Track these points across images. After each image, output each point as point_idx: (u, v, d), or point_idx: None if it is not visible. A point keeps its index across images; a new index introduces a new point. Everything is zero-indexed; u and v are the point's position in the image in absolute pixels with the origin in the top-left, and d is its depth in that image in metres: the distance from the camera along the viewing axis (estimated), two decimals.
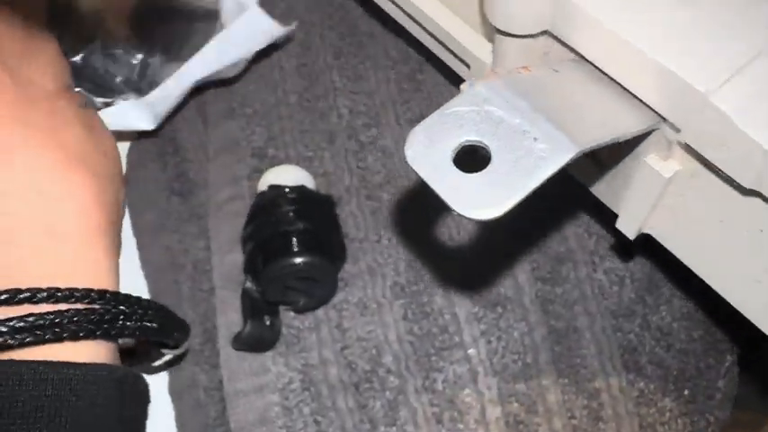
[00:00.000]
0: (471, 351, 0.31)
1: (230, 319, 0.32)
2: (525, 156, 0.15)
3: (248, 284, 0.31)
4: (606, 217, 0.27)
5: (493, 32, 0.22)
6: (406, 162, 0.15)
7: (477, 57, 0.24)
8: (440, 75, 0.34)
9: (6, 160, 0.25)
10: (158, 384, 0.33)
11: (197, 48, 0.34)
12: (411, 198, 0.33)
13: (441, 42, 0.25)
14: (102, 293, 0.25)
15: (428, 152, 0.16)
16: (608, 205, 0.24)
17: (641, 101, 0.18)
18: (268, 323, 0.31)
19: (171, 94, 0.34)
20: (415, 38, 0.30)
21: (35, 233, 0.25)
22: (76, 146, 0.26)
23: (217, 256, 0.34)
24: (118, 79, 0.34)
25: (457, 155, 0.16)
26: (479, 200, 0.15)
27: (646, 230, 0.23)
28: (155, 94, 0.34)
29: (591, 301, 0.32)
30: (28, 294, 0.23)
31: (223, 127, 0.36)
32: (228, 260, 0.34)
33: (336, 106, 0.35)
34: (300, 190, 0.32)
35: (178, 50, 0.35)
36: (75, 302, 0.24)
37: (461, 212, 0.15)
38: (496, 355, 0.31)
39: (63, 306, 0.24)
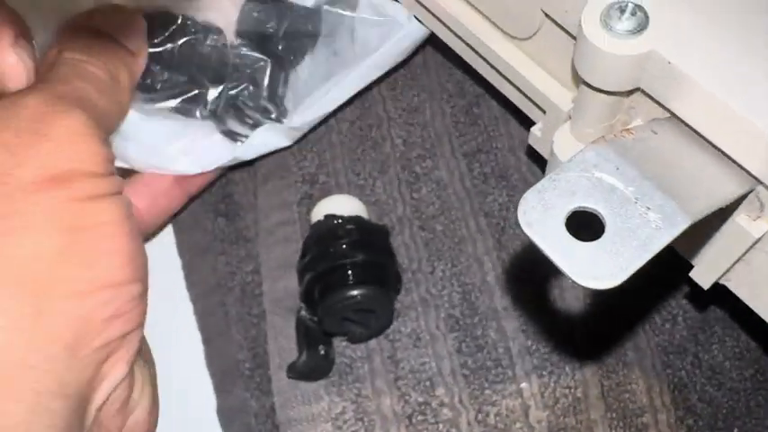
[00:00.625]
0: (524, 385, 0.31)
1: (282, 345, 0.33)
2: (639, 226, 0.16)
3: (303, 313, 0.32)
4: (662, 257, 0.27)
5: (578, 83, 0.22)
6: (521, 227, 0.16)
7: (556, 104, 0.24)
8: (497, 109, 0.34)
9: None
10: (207, 406, 0.34)
11: (304, 54, 0.34)
12: (466, 230, 0.33)
13: (516, 86, 0.26)
14: None
15: (542, 218, 0.16)
16: (682, 254, 0.24)
17: (739, 165, 0.19)
18: (323, 352, 0.31)
19: (315, 116, 0.34)
20: (472, 70, 0.30)
21: None
22: (22, 257, 0.20)
23: (268, 281, 0.34)
24: (253, 113, 0.33)
25: (568, 218, 0.16)
26: (596, 270, 0.15)
27: (722, 282, 0.23)
28: (297, 120, 0.33)
29: (641, 337, 0.32)
30: None
31: (272, 151, 0.36)
32: (280, 286, 0.34)
33: (390, 136, 0.35)
34: (356, 220, 0.32)
35: (292, 64, 0.34)
36: None
37: (579, 282, 0.15)
38: (548, 389, 0.31)
39: None
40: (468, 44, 0.27)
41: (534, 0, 0.22)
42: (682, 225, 0.16)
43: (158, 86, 0.32)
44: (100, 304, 0.21)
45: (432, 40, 0.32)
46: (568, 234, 0.16)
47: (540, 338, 0.32)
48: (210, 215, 0.37)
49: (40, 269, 0.21)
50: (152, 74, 0.31)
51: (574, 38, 0.21)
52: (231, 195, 0.37)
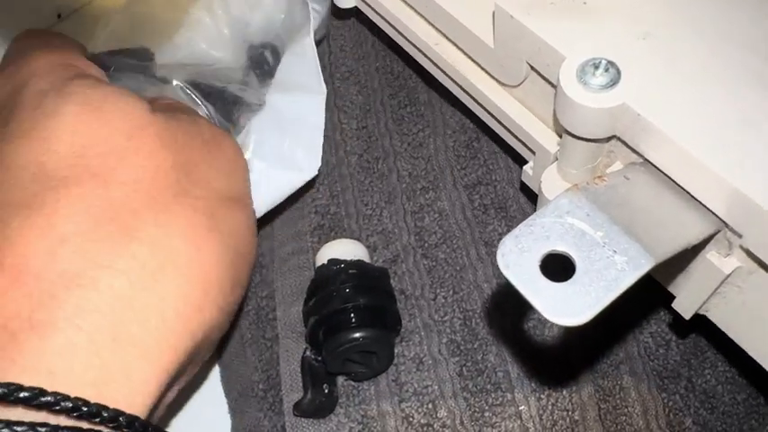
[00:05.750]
0: (522, 408, 0.33)
1: (293, 368, 0.34)
2: (606, 268, 0.17)
3: (308, 354, 0.33)
4: (655, 285, 0.29)
5: (562, 130, 0.24)
6: (499, 268, 0.17)
7: (544, 146, 0.26)
8: (495, 144, 0.36)
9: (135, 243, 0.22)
10: (222, 426, 0.36)
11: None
12: (467, 258, 0.35)
13: (507, 128, 0.27)
14: (131, 420, 0.20)
15: (518, 260, 0.18)
16: (664, 285, 0.26)
17: (706, 207, 0.20)
18: (327, 391, 0.33)
19: None
20: (470, 110, 0.32)
21: (102, 334, 0.21)
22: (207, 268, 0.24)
23: (281, 307, 0.36)
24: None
25: (543, 260, 0.18)
26: (566, 308, 0.17)
27: (701, 312, 0.24)
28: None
29: (637, 362, 0.34)
30: (50, 399, 0.19)
31: None
32: (293, 311, 0.36)
33: (397, 169, 0.37)
34: (358, 265, 0.33)
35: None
36: (99, 423, 0.19)
37: (550, 319, 0.17)
38: (546, 411, 0.33)
39: (84, 424, 0.19)
40: (463, 88, 0.29)
41: (520, 54, 0.24)
42: (645, 267, 0.17)
43: None
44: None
45: (434, 82, 0.34)
46: (541, 275, 0.18)
47: (539, 363, 0.33)
48: None
49: (213, 283, 0.24)
50: None
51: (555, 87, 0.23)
52: None
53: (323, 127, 0.34)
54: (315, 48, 0.34)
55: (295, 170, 0.34)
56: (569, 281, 0.17)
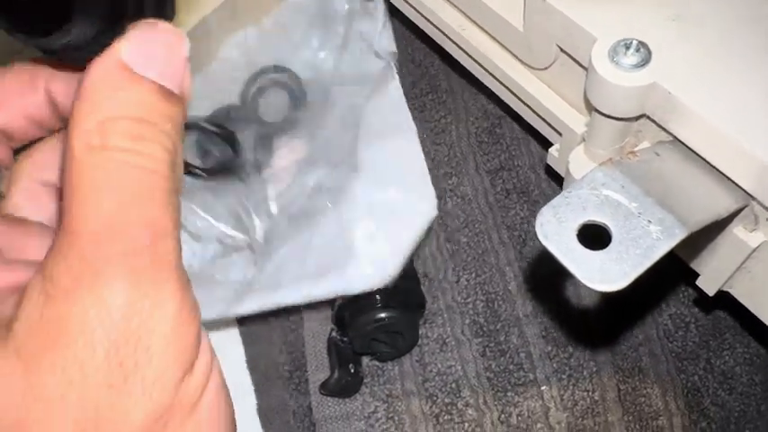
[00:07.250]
0: (544, 388, 0.33)
1: (319, 349, 0.35)
2: (641, 237, 0.18)
3: (334, 335, 0.34)
4: (675, 266, 0.29)
5: (590, 109, 0.24)
6: (537, 239, 0.18)
7: (571, 127, 0.26)
8: (518, 129, 0.37)
9: None
10: (247, 405, 0.36)
11: None
12: (489, 242, 0.36)
13: (534, 111, 0.28)
14: None
15: (557, 230, 0.18)
16: (688, 263, 0.26)
17: (734, 182, 0.21)
18: (353, 370, 0.33)
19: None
20: (494, 95, 0.32)
21: None
22: None
23: None
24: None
25: (579, 230, 0.19)
26: (604, 275, 0.18)
27: (725, 289, 0.25)
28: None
29: (656, 344, 0.34)
30: None
31: None
32: None
33: None
34: None
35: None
36: None
37: (588, 285, 0.18)
38: (567, 392, 0.33)
39: None
40: (489, 72, 0.29)
41: (551, 37, 0.25)
42: (679, 236, 0.18)
43: None
44: None
45: (457, 67, 0.35)
46: (579, 244, 0.18)
47: (560, 344, 0.34)
48: None
49: None
50: None
51: (586, 69, 0.24)
52: None
53: (424, 164, 0.32)
54: (401, 88, 0.32)
55: (414, 215, 0.31)
56: (606, 249, 0.18)
